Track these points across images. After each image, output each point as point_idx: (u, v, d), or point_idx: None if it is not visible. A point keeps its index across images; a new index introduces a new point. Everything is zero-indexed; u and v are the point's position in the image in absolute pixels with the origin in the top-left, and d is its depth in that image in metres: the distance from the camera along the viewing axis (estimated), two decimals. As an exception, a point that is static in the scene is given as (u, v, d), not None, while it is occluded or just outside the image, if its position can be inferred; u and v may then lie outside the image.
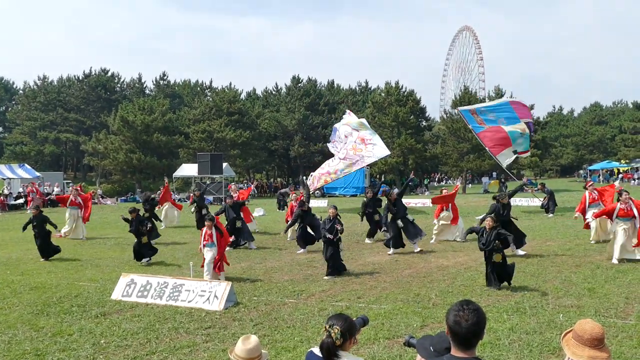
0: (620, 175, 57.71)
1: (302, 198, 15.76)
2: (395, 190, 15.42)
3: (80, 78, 68.66)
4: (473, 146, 48.20)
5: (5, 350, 6.57)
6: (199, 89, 73.43)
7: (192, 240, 16.44)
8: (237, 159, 50.90)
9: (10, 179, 35.80)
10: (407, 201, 30.82)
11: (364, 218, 16.25)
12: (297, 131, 60.68)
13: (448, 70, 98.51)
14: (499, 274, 9.18)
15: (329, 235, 10.82)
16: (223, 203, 16.79)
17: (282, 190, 20.89)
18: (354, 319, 3.19)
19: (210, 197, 36.37)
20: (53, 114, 64.44)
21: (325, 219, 11.46)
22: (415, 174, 54.97)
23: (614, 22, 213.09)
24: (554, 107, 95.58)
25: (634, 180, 51.51)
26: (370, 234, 15.97)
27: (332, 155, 25.23)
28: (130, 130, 48.12)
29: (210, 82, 74.46)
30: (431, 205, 27.72)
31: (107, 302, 8.75)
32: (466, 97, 51.59)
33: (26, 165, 39.61)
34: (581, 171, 67.02)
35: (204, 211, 17.99)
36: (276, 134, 61.50)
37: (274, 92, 76.36)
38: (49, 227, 13.91)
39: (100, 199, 39.41)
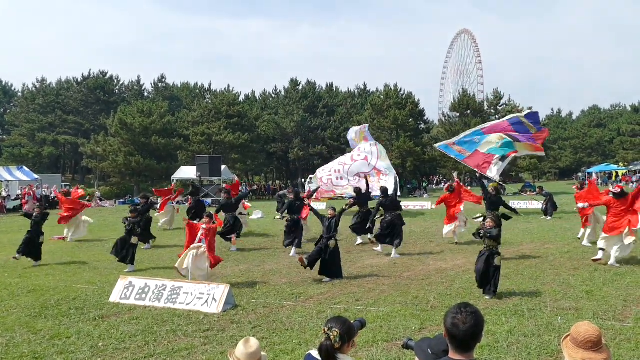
0: (618, 178, 57.82)
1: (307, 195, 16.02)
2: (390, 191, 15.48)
3: (79, 80, 68.66)
4: (471, 149, 48.28)
5: (3, 353, 6.55)
6: (197, 91, 73.45)
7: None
8: (237, 162, 50.91)
9: (8, 181, 35.73)
10: (406, 204, 30.94)
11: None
12: (296, 134, 60.73)
13: (447, 73, 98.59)
14: (485, 278, 9.00)
15: (326, 237, 10.95)
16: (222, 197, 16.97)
17: (281, 192, 20.87)
18: (353, 322, 3.20)
19: (209, 200, 36.35)
20: (52, 116, 64.41)
21: (324, 221, 11.50)
22: (414, 177, 55.35)
23: (612, 26, 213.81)
24: (552, 109, 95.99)
25: (632, 182, 51.54)
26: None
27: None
28: (128, 132, 48.11)
29: (210, 85, 74.59)
30: (430, 208, 27.77)
31: (105, 305, 8.74)
32: (465, 100, 51.76)
33: (24, 167, 39.48)
34: (579, 174, 67.08)
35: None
36: (275, 137, 61.53)
37: (272, 95, 76.44)
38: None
39: (99, 201, 39.36)
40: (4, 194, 33.72)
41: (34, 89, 70.48)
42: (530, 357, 6.02)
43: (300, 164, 62.91)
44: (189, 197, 20.44)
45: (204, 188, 38.04)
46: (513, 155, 24.39)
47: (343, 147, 60.71)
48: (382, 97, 54.16)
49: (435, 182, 67.43)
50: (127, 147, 47.97)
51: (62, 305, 8.80)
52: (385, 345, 6.46)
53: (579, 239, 14.92)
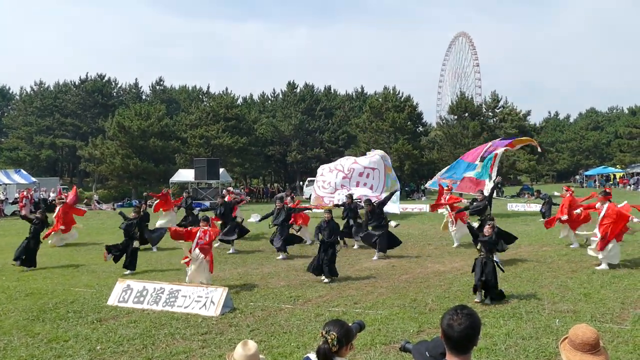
0: (616, 181, 57.92)
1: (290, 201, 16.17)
2: (378, 200, 15.67)
3: (77, 83, 68.64)
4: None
5: (1, 357, 6.54)
6: (195, 94, 73.48)
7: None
8: (235, 165, 50.91)
9: (6, 184, 35.67)
10: (404, 206, 30.95)
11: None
12: (294, 137, 60.75)
13: (444, 76, 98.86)
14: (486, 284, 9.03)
15: (325, 239, 11.04)
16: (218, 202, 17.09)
17: (279, 195, 20.80)
18: (351, 324, 3.20)
19: (207, 203, 36.33)
20: (49, 119, 64.33)
21: (321, 223, 11.55)
22: (412, 180, 55.35)
23: (609, 28, 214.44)
24: (549, 112, 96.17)
25: (630, 185, 51.63)
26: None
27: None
28: (126, 135, 48.08)
29: (207, 88, 74.53)
30: (428, 210, 27.77)
31: (103, 308, 8.72)
32: (462, 102, 51.83)
33: (22, 170, 39.42)
34: (577, 176, 67.20)
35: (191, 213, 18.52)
36: (273, 140, 61.55)
37: (271, 98, 76.49)
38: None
39: (96, 204, 39.29)
40: (1, 197, 33.62)
41: (31, 92, 70.39)
42: (528, 359, 6.03)
43: (299, 166, 62.93)
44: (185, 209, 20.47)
45: (202, 191, 38.08)
46: (501, 151, 24.94)
47: (341, 149, 60.83)
48: (380, 99, 54.21)
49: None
50: (124, 150, 47.92)
51: (60, 308, 8.79)
52: (384, 348, 6.46)
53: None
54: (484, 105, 55.14)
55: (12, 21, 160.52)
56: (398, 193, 24.02)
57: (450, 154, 50.53)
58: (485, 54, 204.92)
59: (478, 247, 9.29)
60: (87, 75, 69.34)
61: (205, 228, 10.26)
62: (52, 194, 36.49)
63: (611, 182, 59.04)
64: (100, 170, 50.82)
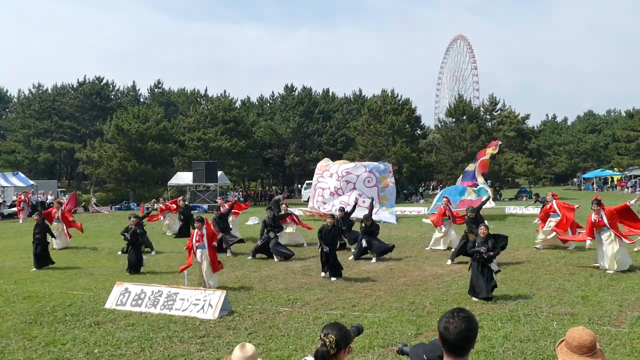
0: (613, 183, 57.99)
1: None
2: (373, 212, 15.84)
3: (75, 86, 68.63)
4: (468, 155, 48.36)
5: (-2, 360, 6.54)
6: (193, 97, 73.50)
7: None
8: (233, 168, 50.89)
9: (3, 187, 35.62)
10: (402, 209, 30.97)
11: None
12: (292, 139, 60.77)
13: (442, 79, 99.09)
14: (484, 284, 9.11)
15: (325, 248, 11.29)
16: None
17: (276, 197, 20.79)
18: (349, 328, 3.20)
19: (205, 206, 36.32)
20: (47, 122, 64.27)
21: (323, 228, 11.61)
22: (410, 182, 55.40)
23: (607, 31, 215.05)
24: (547, 115, 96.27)
25: (627, 188, 51.73)
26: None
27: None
28: (124, 138, 48.06)
29: (205, 91, 74.60)
30: (426, 213, 27.78)
31: (101, 311, 8.71)
32: (460, 105, 51.89)
33: (20, 173, 39.37)
34: (575, 179, 67.34)
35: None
36: (271, 142, 61.56)
37: (269, 101, 76.51)
38: (48, 237, 14.06)
39: (95, 207, 39.24)
40: (-1, 199, 33.58)
41: (29, 94, 70.33)
42: (526, 362, 6.04)
43: (297, 169, 62.94)
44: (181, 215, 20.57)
45: (200, 194, 38.06)
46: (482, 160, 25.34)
47: (340, 152, 60.83)
48: (378, 102, 54.28)
49: (431, 187, 67.61)
50: (123, 153, 47.88)
51: (58, 311, 8.77)
52: (382, 351, 6.47)
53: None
54: (481, 108, 55.19)
55: (10, 24, 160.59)
56: (393, 207, 24.33)
57: (448, 156, 50.60)
58: (484, 57, 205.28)
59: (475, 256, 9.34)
60: (85, 78, 69.42)
61: (200, 232, 10.30)
62: (49, 197, 36.45)
63: (609, 185, 59.17)
64: (98, 173, 50.75)
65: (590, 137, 76.20)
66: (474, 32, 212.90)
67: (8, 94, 78.81)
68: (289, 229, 16.97)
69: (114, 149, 48.23)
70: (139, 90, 78.71)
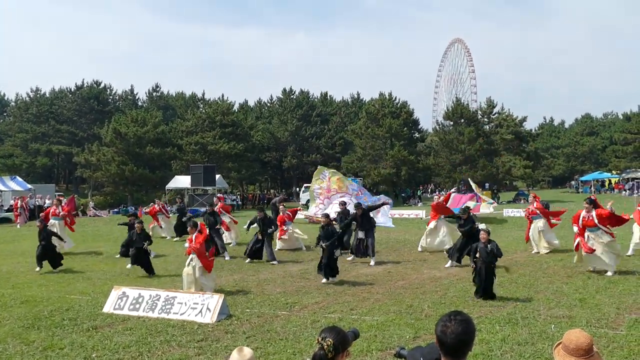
0: (611, 186, 58.08)
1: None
2: (365, 204, 15.79)
3: (73, 90, 68.63)
4: (465, 157, 48.50)
5: (-4, 365, 6.52)
6: (191, 101, 73.55)
7: (184, 252, 16.36)
8: (231, 171, 50.90)
9: (1, 191, 35.56)
10: (400, 212, 30.98)
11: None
12: (290, 142, 60.82)
13: (440, 82, 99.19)
14: (486, 288, 9.16)
15: (323, 244, 11.26)
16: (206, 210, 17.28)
17: (275, 199, 20.87)
18: (347, 331, 3.20)
19: (203, 209, 36.25)
20: (45, 125, 64.24)
21: (321, 228, 11.65)
22: (408, 186, 55.48)
23: (604, 34, 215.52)
24: (545, 118, 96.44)
25: (625, 191, 51.81)
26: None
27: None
28: (122, 142, 48.06)
29: (203, 94, 74.66)
30: (424, 217, 27.81)
31: (99, 316, 8.69)
32: (458, 108, 51.99)
33: (18, 177, 39.30)
34: (573, 182, 67.44)
35: (184, 218, 18.52)
36: (269, 146, 61.59)
37: (267, 104, 76.59)
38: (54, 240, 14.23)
39: (93, 210, 39.16)
40: (-3, 204, 33.54)
41: (27, 98, 70.33)
42: (524, 365, 6.04)
43: (295, 172, 62.96)
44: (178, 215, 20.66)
45: (198, 197, 38.04)
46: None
47: (338, 155, 60.93)
48: (376, 105, 54.36)
49: (429, 190, 67.68)
50: (121, 157, 47.87)
51: (55, 316, 8.75)
52: (380, 355, 6.47)
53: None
54: (479, 111, 55.27)
55: (7, 27, 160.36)
56: (387, 208, 24.35)
57: (446, 159, 50.63)
58: (481, 59, 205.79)
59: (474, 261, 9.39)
60: (82, 82, 69.46)
61: (191, 236, 10.40)
62: (47, 201, 36.40)
63: (606, 188, 59.26)
64: (96, 177, 50.74)
65: (588, 139, 76.35)
66: (472, 34, 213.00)
67: (5, 98, 78.79)
68: (285, 236, 16.91)
69: (112, 153, 48.23)
70: (137, 94, 78.84)
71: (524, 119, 53.04)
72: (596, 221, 11.37)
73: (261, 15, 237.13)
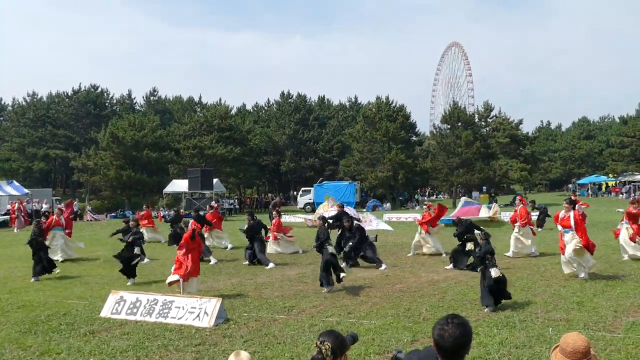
0: (608, 189, 58.17)
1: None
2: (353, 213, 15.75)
3: (70, 94, 68.57)
4: (463, 161, 48.55)
5: (-8, 370, 6.49)
6: (189, 105, 73.56)
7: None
8: (229, 175, 50.89)
9: (-2, 195, 35.51)
10: (397, 215, 31.03)
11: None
12: (288, 146, 60.83)
13: (437, 86, 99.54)
14: (493, 291, 9.11)
15: (315, 246, 11.35)
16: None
17: (274, 202, 20.86)
18: (345, 335, 3.20)
19: (201, 213, 36.19)
20: (42, 130, 64.15)
21: (318, 231, 11.63)
22: (406, 189, 55.52)
23: (601, 38, 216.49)
24: (542, 122, 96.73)
25: (622, 194, 51.91)
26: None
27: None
28: (120, 146, 48.03)
29: (200, 98, 74.69)
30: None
31: (96, 320, 8.67)
32: (455, 112, 52.09)
33: (15, 182, 39.25)
34: (570, 185, 67.59)
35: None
36: (267, 149, 61.62)
37: (264, 108, 76.65)
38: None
39: (91, 214, 39.09)
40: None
41: (24, 103, 70.24)
42: (522, 368, 6.04)
43: (292, 176, 62.97)
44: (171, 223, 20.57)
45: (196, 201, 37.98)
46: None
47: (335, 159, 60.94)
48: (373, 109, 54.45)
49: (427, 194, 67.75)
50: (118, 161, 47.83)
51: (53, 320, 8.73)
52: (378, 358, 6.47)
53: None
54: (476, 115, 55.39)
55: (4, 31, 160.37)
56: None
57: (443, 163, 50.68)
58: (479, 63, 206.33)
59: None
60: (79, 86, 69.46)
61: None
62: (44, 206, 36.32)
63: (603, 191, 59.39)
64: (93, 181, 50.65)
65: (585, 143, 76.57)
66: (471, 35, 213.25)
67: (2, 102, 78.67)
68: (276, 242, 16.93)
69: (109, 157, 48.18)
70: (134, 98, 78.84)
71: (520, 122, 53.19)
72: (572, 222, 11.31)
73: (258, 20, 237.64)
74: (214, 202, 29.40)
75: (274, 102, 71.77)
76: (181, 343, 7.31)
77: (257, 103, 79.09)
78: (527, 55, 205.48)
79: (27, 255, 15.60)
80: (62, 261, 15.78)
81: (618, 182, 57.67)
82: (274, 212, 17.70)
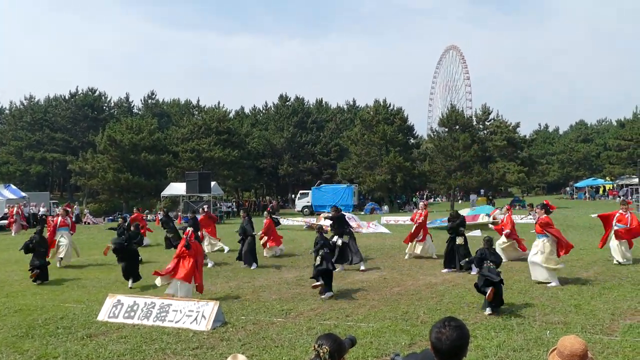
0: (606, 192, 58.28)
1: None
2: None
3: (67, 98, 68.52)
4: (460, 164, 48.53)
5: (-11, 374, 6.47)
6: (187, 108, 73.56)
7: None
8: (227, 178, 50.85)
9: (-5, 199, 35.40)
10: (395, 218, 31.01)
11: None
12: (286, 150, 60.84)
13: (435, 89, 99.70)
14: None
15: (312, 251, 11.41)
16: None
17: (270, 206, 21.08)
18: (343, 339, 3.20)
19: (198, 216, 36.15)
20: (39, 133, 64.08)
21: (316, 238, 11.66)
22: (404, 192, 55.52)
23: (600, 40, 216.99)
24: (540, 125, 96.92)
25: (619, 197, 51.97)
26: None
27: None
28: (117, 149, 47.97)
29: (198, 101, 74.75)
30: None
31: (93, 324, 8.65)
32: (453, 115, 52.13)
33: (12, 185, 39.14)
34: (567, 188, 67.69)
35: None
36: (265, 153, 61.59)
37: (262, 111, 76.67)
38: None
39: (89, 217, 39.00)
40: (-10, 212, 33.34)
41: (21, 106, 70.17)
42: (520, 371, 6.04)
43: (290, 179, 62.94)
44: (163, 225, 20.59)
45: (193, 204, 37.94)
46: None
47: (333, 162, 60.94)
48: (371, 112, 54.50)
49: (424, 196, 67.77)
50: (116, 164, 47.76)
51: (50, 324, 8.71)
52: (375, 361, 6.46)
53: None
54: (474, 118, 55.46)
55: (2, 34, 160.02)
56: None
57: (441, 165, 50.68)
58: (477, 65, 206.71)
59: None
60: (77, 89, 69.39)
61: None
62: (42, 209, 36.26)
63: (601, 194, 59.47)
64: (91, 185, 50.57)
65: (582, 146, 76.72)
66: (470, 36, 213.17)
67: (0, 105, 78.62)
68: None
69: (107, 161, 48.12)
70: (132, 101, 78.84)
71: (518, 125, 53.27)
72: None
73: (255, 22, 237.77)
74: (205, 206, 29.55)
75: (272, 105, 71.83)
76: (179, 346, 7.29)
77: (254, 106, 79.18)
78: (526, 55, 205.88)
79: (23, 259, 15.57)
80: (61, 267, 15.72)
81: (615, 185, 57.75)
82: (265, 212, 17.80)
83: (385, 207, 47.23)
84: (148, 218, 34.53)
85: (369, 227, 24.92)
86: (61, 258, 15.86)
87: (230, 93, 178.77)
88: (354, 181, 51.34)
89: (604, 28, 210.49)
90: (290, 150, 60.81)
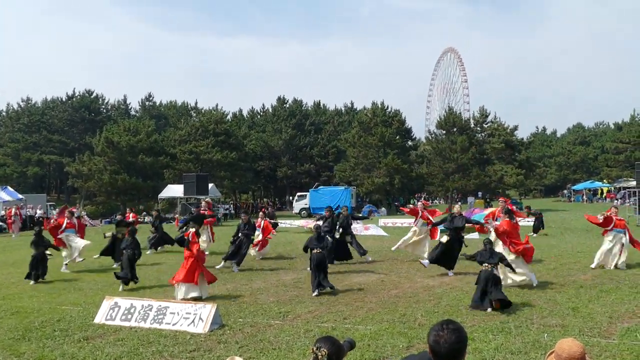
0: (603, 195, 58.37)
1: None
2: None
3: (64, 100, 68.43)
4: (458, 166, 48.60)
5: (-15, 377, 6.44)
6: (185, 110, 73.52)
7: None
8: (224, 180, 50.80)
9: (-8, 201, 35.30)
10: (393, 220, 31.02)
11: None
12: (284, 152, 60.84)
13: (433, 91, 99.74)
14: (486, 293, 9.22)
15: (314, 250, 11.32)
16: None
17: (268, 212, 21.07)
18: (342, 342, 3.19)
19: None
20: (36, 135, 63.96)
21: (311, 237, 11.66)
22: (402, 194, 55.54)
23: (595, 45, 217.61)
24: (537, 127, 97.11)
25: (617, 200, 52.07)
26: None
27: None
28: (115, 151, 47.90)
29: (196, 103, 74.75)
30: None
31: (90, 326, 8.62)
32: (451, 117, 52.22)
33: (9, 187, 39.03)
34: (565, 191, 67.80)
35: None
36: (262, 155, 61.57)
37: (260, 113, 76.68)
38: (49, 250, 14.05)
39: (87, 218, 38.89)
40: (-13, 214, 33.24)
41: (18, 108, 70.04)
42: (517, 374, 6.04)
43: (288, 181, 62.93)
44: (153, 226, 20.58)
45: (191, 206, 37.88)
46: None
47: (331, 164, 60.97)
48: (369, 114, 54.56)
49: (422, 199, 67.79)
50: (113, 166, 47.69)
51: (46, 327, 8.67)
52: (373, 364, 6.44)
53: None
54: (472, 120, 55.53)
55: (1, 35, 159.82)
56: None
57: (439, 168, 50.75)
58: (475, 68, 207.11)
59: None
60: (74, 91, 69.32)
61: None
62: (39, 211, 36.16)
63: (598, 197, 59.59)
64: (88, 187, 50.47)
65: (580, 149, 76.93)
66: (470, 37, 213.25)
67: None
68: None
69: (104, 162, 48.04)
70: (129, 103, 78.79)
71: (515, 128, 53.35)
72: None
73: (254, 24, 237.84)
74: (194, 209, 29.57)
75: (270, 107, 71.86)
76: (176, 349, 7.27)
77: (252, 108, 79.16)
78: (525, 55, 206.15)
79: (21, 261, 15.55)
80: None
81: (613, 188, 57.86)
82: (260, 213, 17.80)
83: (383, 210, 47.21)
84: (145, 220, 34.46)
85: (366, 230, 24.94)
86: (80, 259, 16.00)
87: (229, 95, 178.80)
88: (352, 183, 51.34)
89: (603, 29, 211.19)
90: (288, 153, 60.82)
